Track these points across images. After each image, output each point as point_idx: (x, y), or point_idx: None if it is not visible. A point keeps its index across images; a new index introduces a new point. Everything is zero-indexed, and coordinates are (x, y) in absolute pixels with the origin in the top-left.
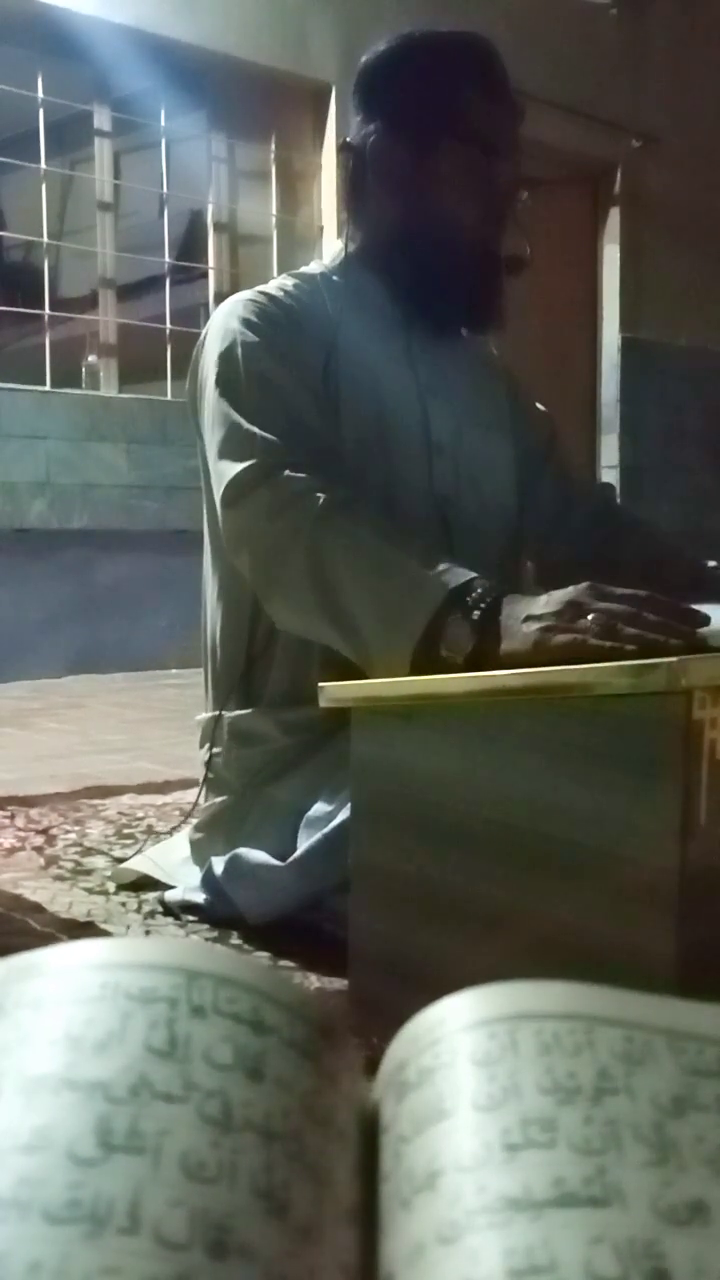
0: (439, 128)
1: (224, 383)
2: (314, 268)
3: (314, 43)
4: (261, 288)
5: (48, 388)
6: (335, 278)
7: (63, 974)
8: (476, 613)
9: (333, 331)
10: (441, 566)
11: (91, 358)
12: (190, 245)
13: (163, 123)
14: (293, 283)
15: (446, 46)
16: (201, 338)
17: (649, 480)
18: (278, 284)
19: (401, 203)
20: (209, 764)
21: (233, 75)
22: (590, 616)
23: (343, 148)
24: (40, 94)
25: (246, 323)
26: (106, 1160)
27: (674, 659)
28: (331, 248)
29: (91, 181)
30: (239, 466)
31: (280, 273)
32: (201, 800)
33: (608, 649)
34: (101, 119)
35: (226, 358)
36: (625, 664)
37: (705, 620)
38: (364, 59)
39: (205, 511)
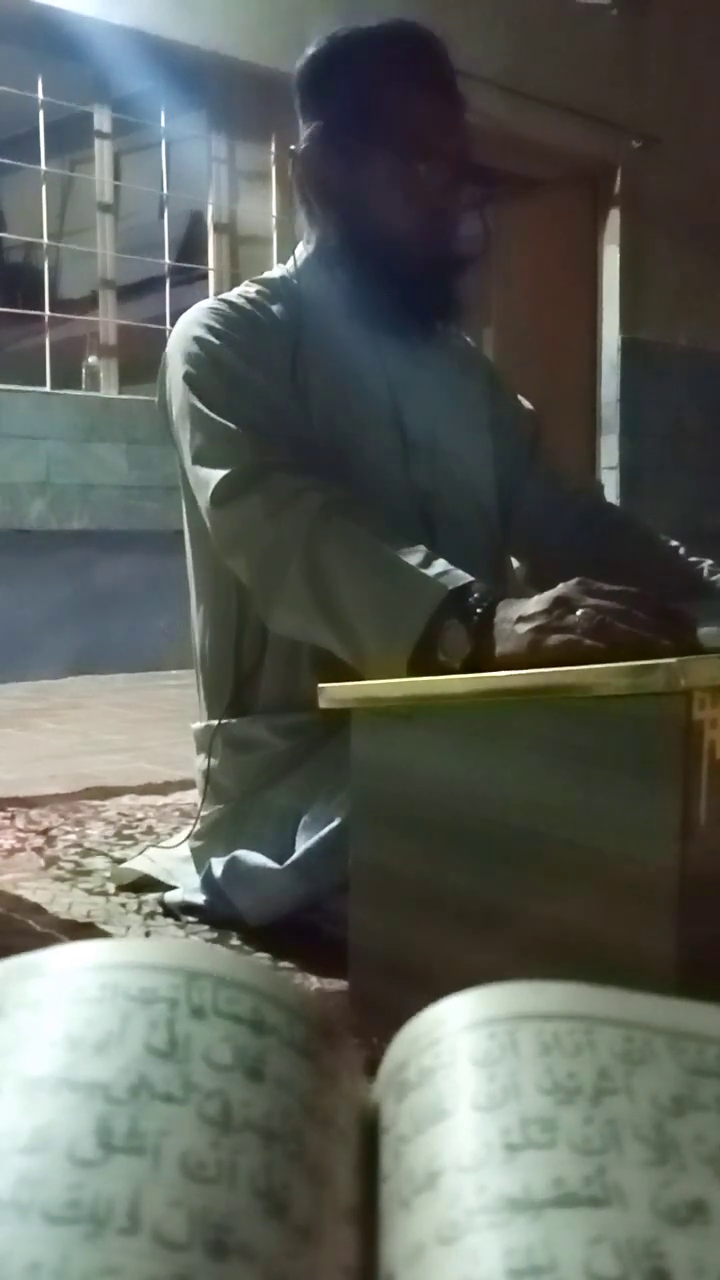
0: (368, 130)
1: (196, 386)
2: (277, 272)
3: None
4: (223, 295)
5: (48, 388)
6: (296, 281)
7: (62, 975)
8: (473, 617)
9: (296, 334)
10: (439, 568)
11: (91, 358)
12: (190, 246)
13: (163, 123)
14: (255, 289)
15: (374, 44)
16: (167, 346)
17: (649, 480)
18: (239, 291)
19: (342, 207)
20: (207, 775)
21: (232, 76)
22: (579, 613)
23: (289, 154)
24: (40, 95)
25: (210, 329)
26: (106, 1161)
27: (673, 659)
28: (298, 251)
29: (91, 182)
30: (228, 466)
31: None
32: (201, 811)
33: (602, 648)
34: (101, 120)
35: (195, 362)
36: (624, 664)
37: (693, 621)
38: (298, 64)
39: (186, 521)
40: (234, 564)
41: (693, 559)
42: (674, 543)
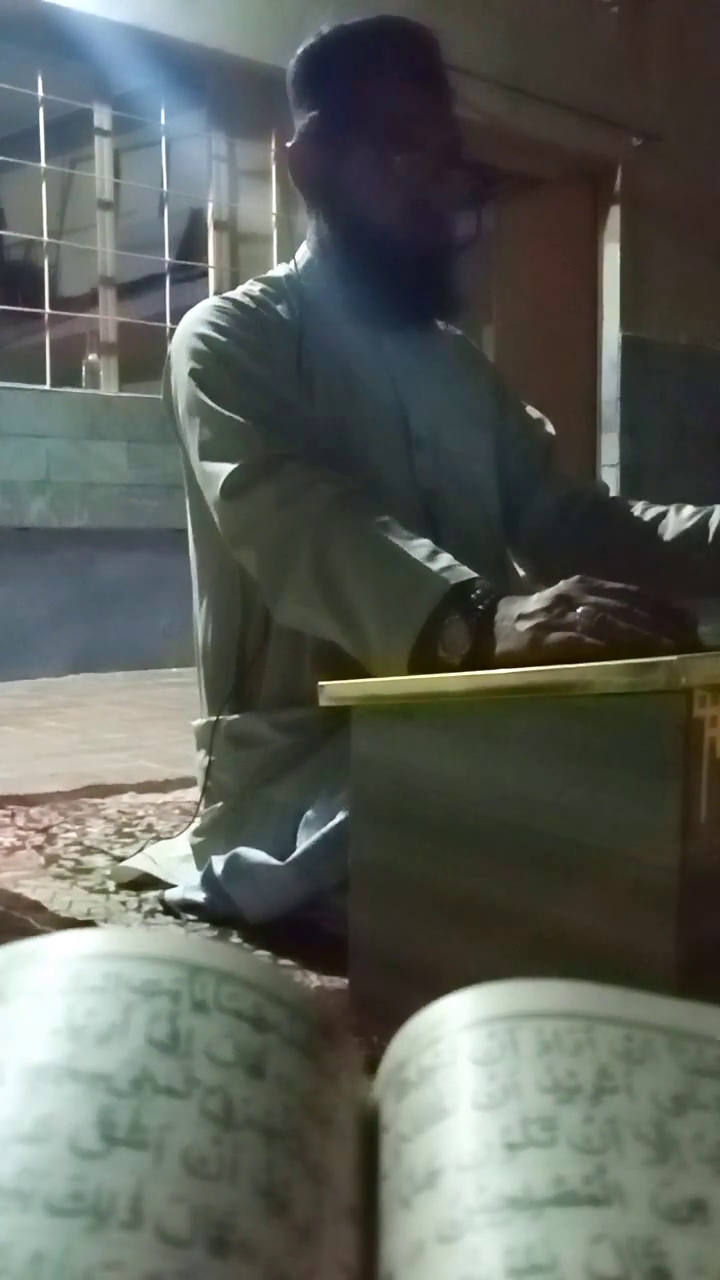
0: (351, 123)
1: (203, 382)
2: (280, 270)
3: None
4: (227, 293)
5: (48, 386)
6: (299, 279)
7: (64, 962)
8: (474, 615)
9: (300, 332)
10: (444, 562)
11: (92, 356)
12: (190, 244)
13: (163, 121)
14: (259, 287)
15: (359, 38)
16: (171, 344)
17: (649, 479)
18: (244, 289)
19: (331, 201)
20: (208, 771)
21: (233, 73)
22: (580, 610)
23: (284, 151)
24: (40, 92)
25: (215, 325)
26: (109, 1153)
27: (674, 657)
28: (301, 249)
29: (91, 180)
30: (237, 459)
31: None
32: (201, 807)
33: (602, 646)
34: (101, 117)
35: (201, 358)
36: (625, 662)
37: (695, 620)
38: (290, 62)
39: (190, 517)
40: (243, 556)
41: (698, 515)
42: (685, 511)
